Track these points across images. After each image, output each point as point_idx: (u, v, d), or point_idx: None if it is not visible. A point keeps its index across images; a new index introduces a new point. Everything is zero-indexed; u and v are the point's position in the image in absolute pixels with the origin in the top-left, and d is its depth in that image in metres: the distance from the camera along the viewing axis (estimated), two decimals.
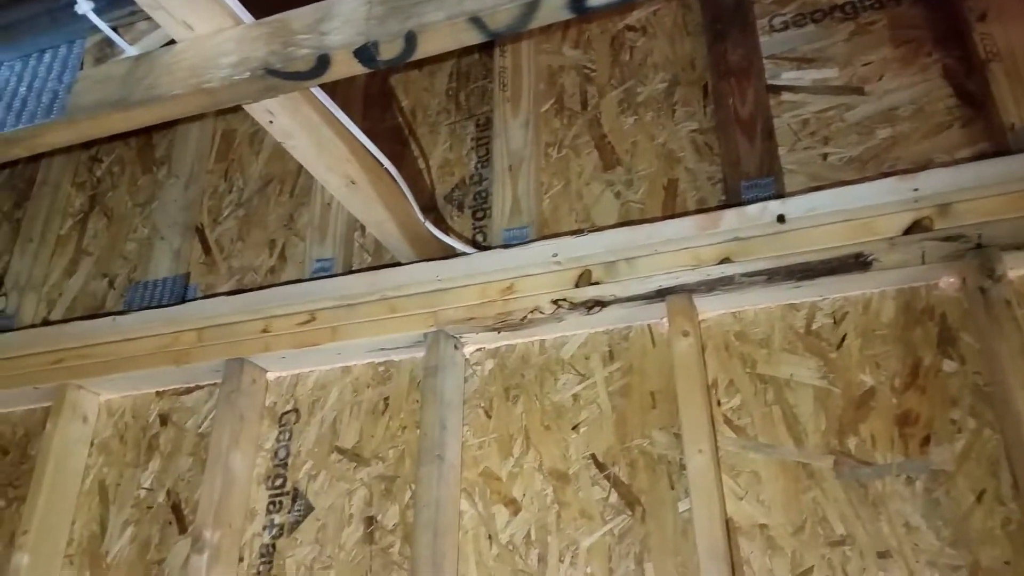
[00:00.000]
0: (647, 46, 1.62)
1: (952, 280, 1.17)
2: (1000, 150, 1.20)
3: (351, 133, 1.22)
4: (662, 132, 1.52)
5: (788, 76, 1.44)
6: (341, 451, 1.48)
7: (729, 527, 1.15)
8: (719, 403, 1.25)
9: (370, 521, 1.39)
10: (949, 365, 1.14)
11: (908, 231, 1.15)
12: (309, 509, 1.46)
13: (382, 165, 1.29)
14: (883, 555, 1.06)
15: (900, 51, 1.37)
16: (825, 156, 1.35)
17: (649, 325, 1.36)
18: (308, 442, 1.52)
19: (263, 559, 1.44)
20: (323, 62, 0.97)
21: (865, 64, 1.39)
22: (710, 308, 1.32)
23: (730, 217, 1.27)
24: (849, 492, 1.11)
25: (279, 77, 1.00)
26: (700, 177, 1.45)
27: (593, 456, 1.30)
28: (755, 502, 1.16)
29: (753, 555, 1.12)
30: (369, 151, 1.26)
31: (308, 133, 1.18)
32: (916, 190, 1.15)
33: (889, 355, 1.17)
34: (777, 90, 1.44)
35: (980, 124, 1.26)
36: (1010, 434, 1.04)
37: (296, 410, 1.56)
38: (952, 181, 1.14)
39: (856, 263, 1.19)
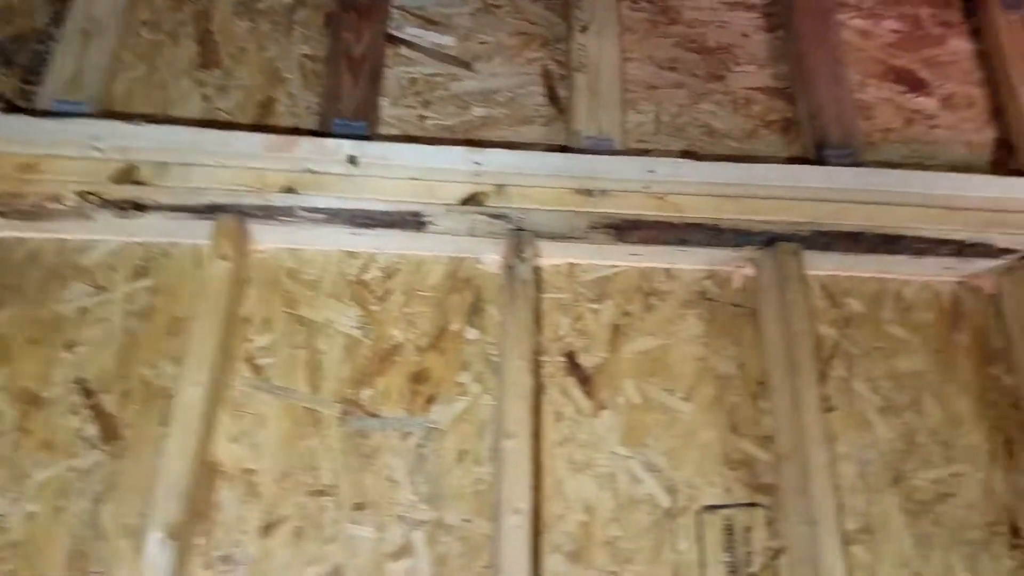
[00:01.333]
0: None
1: (495, 256, 1.30)
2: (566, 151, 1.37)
3: None
4: (274, 47, 1.45)
5: (411, 31, 1.49)
6: None
7: (214, 469, 1.10)
8: (248, 339, 1.21)
9: None
10: (472, 333, 1.24)
11: (465, 202, 1.23)
12: None
13: None
14: (359, 507, 1.10)
15: (514, 40, 1.50)
16: (423, 118, 1.40)
17: (198, 245, 1.26)
18: None
19: None
20: None
21: (481, 43, 1.49)
22: (270, 240, 1.27)
23: (305, 146, 1.24)
24: (347, 442, 1.14)
25: None
26: (300, 104, 1.40)
27: (82, 381, 1.15)
28: (249, 445, 1.13)
29: (227, 500, 1.08)
30: None
31: None
32: (479, 164, 1.25)
33: (424, 316, 1.25)
34: (396, 41, 1.47)
35: (558, 125, 1.42)
36: (500, 402, 1.16)
37: None
38: (512, 164, 1.26)
39: (414, 222, 1.24)
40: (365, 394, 1.18)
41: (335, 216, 1.24)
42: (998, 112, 1.48)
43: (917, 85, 1.49)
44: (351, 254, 1.29)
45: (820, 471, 1.09)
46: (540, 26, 1.52)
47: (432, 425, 1.16)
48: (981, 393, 1.26)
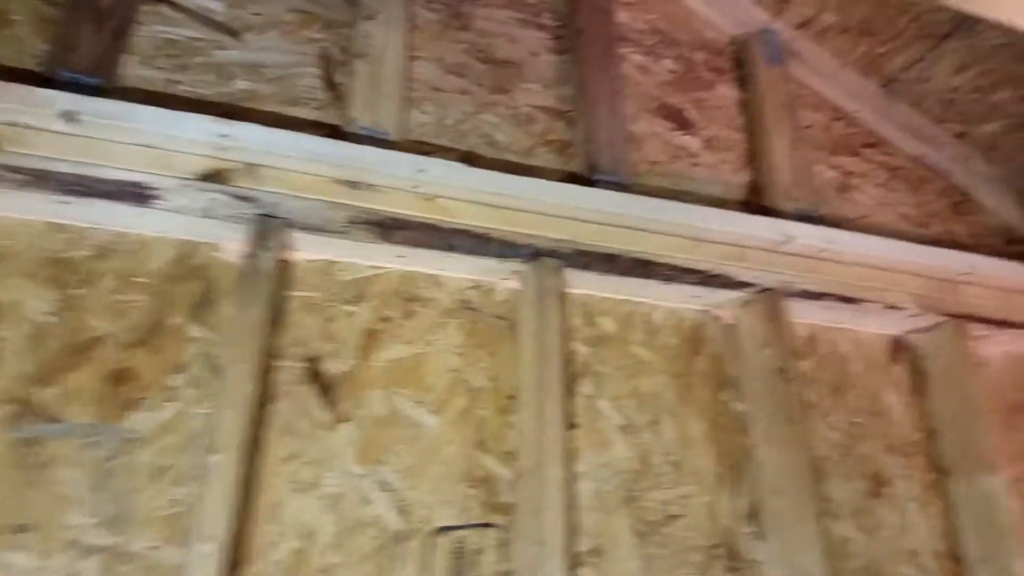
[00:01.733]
0: None
1: (237, 245, 1.14)
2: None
3: None
4: None
5: None
6: None
7: None
8: None
9: None
10: (195, 330, 1.07)
11: (206, 178, 1.07)
12: None
13: None
14: (20, 529, 0.89)
15: (293, 17, 1.36)
16: (174, 83, 1.22)
17: None
18: None
19: None
20: None
21: (255, 14, 1.33)
22: None
23: (11, 93, 1.02)
24: (14, 450, 0.92)
25: None
26: (27, 51, 1.16)
27: None
28: None
29: None
30: None
31: None
32: (226, 137, 1.09)
33: (137, 306, 1.06)
34: None
35: (332, 112, 1.30)
36: (215, 411, 1.00)
37: None
38: (267, 142, 1.12)
39: (136, 194, 1.05)
40: (48, 393, 0.97)
41: (41, 179, 1.02)
42: (753, 156, 1.56)
43: (685, 124, 1.54)
44: (57, 227, 1.07)
45: (555, 489, 1.05)
46: (323, 7, 1.39)
47: (128, 435, 0.98)
48: (714, 417, 1.29)
